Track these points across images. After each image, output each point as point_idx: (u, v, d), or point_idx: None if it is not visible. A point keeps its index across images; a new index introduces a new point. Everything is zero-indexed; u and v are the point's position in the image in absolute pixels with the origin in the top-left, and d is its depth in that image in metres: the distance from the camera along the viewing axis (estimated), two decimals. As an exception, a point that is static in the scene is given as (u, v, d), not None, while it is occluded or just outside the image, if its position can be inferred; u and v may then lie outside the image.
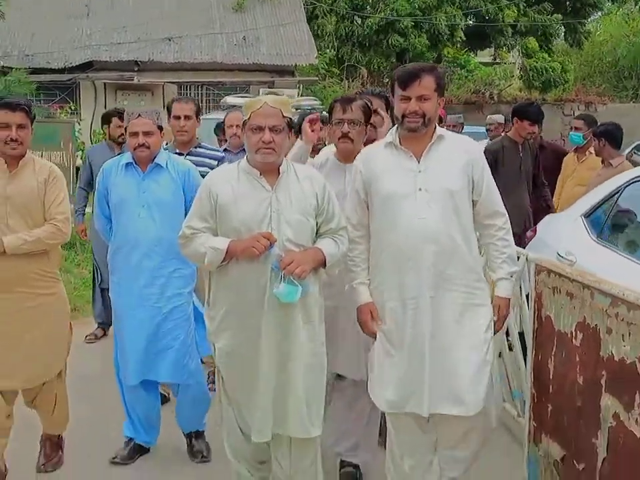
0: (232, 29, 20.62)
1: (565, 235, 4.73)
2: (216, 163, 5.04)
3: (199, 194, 3.41)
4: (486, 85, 26.83)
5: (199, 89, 19.75)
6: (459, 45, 24.78)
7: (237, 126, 5.73)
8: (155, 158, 4.20)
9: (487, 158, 6.14)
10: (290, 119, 3.34)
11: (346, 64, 22.79)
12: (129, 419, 4.36)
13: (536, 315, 3.71)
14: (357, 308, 3.48)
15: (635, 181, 4.62)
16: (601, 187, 4.93)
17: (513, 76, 27.08)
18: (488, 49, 27.16)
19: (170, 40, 19.80)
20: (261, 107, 3.25)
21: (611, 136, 6.00)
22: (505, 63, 28.02)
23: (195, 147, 5.10)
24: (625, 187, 4.65)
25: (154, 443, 4.42)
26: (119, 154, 5.33)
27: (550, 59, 24.52)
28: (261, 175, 3.32)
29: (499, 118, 9.21)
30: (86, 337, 6.26)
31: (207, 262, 3.27)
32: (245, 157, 3.39)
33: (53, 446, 4.28)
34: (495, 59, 29.06)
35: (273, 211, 3.27)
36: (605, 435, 3.00)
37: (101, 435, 4.55)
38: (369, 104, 3.91)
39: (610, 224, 4.59)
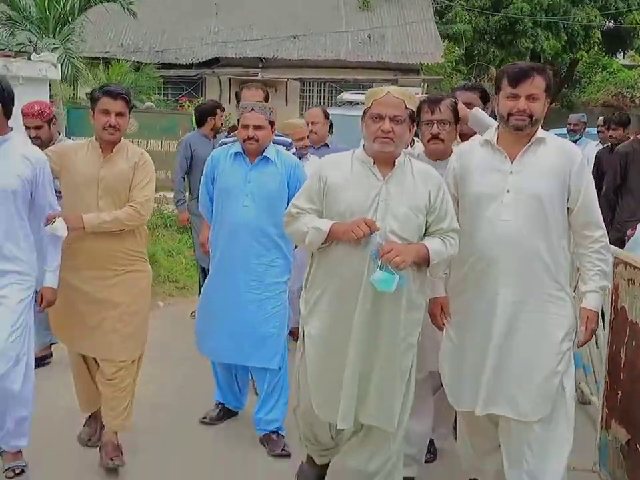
0: (357, 27, 21.03)
1: (658, 231, 4.80)
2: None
3: (310, 176, 3.48)
4: (628, 88, 26.15)
5: (321, 85, 20.33)
6: (596, 47, 24.18)
7: (313, 123, 6.14)
8: (263, 151, 4.39)
9: (617, 160, 6.27)
10: (413, 111, 3.31)
11: (476, 62, 22.76)
12: (218, 387, 4.70)
13: (612, 306, 3.85)
14: (430, 299, 3.50)
15: None
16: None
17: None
18: (630, 51, 26.41)
19: (295, 38, 20.44)
20: (383, 96, 3.25)
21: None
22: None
23: None
24: None
25: (242, 407, 4.73)
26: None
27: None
28: (374, 163, 3.32)
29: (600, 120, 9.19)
30: (191, 313, 6.74)
31: (307, 241, 3.31)
32: (362, 145, 3.41)
33: (114, 447, 4.23)
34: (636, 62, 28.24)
35: (381, 200, 3.27)
36: (664, 420, 3.17)
37: (196, 398, 4.93)
38: (456, 102, 3.92)
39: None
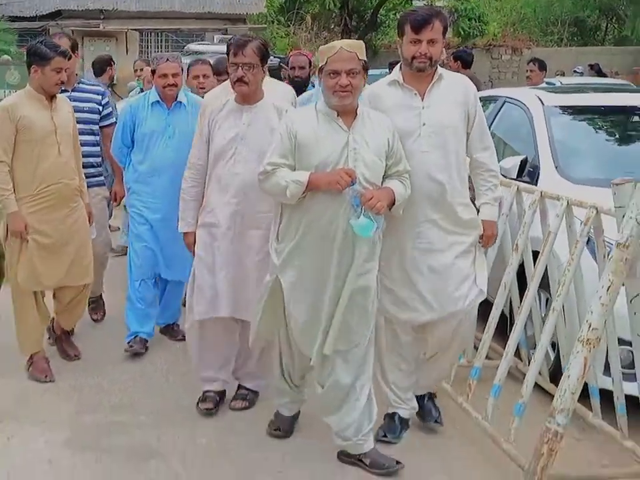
0: None
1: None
2: (99, 97, 5.26)
3: (278, 132, 3.46)
4: (423, 30, 28.31)
5: (159, 35, 21.41)
6: None
7: (205, 75, 5.75)
8: (177, 96, 4.82)
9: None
10: (365, 61, 3.39)
11: (294, 11, 24.37)
12: (136, 317, 4.96)
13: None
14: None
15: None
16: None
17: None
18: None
19: (132, -10, 21.45)
20: (336, 52, 3.31)
21: (462, 59, 7.79)
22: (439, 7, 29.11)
23: (78, 83, 5.19)
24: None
25: (152, 334, 5.08)
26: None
27: (477, 1, 25.58)
28: (338, 115, 3.37)
29: None
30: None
31: (288, 194, 3.30)
32: (322, 99, 3.47)
33: (69, 338, 4.90)
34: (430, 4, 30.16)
35: (350, 150, 3.32)
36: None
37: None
38: (265, 45, 3.94)
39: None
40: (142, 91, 7.09)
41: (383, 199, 3.29)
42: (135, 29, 20.53)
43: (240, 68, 3.74)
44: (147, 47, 21.37)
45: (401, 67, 3.65)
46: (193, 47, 14.13)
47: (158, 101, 4.87)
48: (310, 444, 3.83)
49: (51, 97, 4.35)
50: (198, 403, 4.11)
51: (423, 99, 3.58)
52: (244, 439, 3.90)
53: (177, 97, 4.87)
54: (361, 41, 3.49)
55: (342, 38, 24.52)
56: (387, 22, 28.88)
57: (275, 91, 4.42)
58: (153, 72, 4.86)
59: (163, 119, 4.85)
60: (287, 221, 3.43)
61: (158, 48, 21.35)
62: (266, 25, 22.42)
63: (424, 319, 3.68)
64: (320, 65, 3.39)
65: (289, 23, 24.04)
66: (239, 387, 4.27)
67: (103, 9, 21.07)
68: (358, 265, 3.38)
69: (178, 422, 3.98)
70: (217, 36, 18.36)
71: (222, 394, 4.21)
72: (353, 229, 3.24)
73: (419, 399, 3.99)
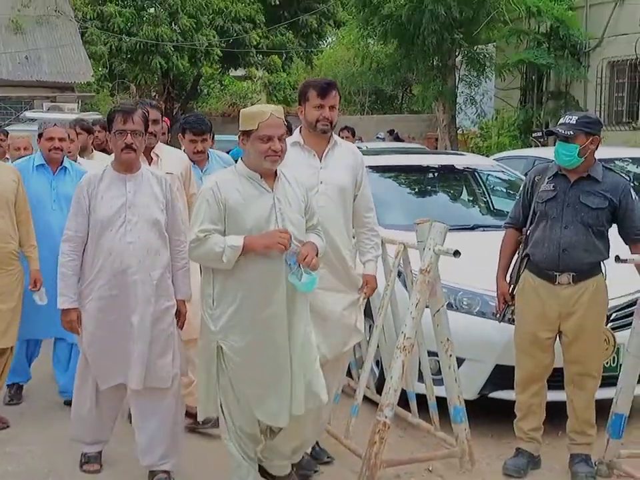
0: (14, 49, 21.65)
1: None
2: None
3: (204, 199, 3.31)
4: (240, 98, 29.57)
5: (-13, 103, 20.95)
6: (215, 64, 26.58)
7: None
8: (62, 161, 4.77)
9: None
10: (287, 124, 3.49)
11: (117, 80, 24.48)
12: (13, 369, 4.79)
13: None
14: None
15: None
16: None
17: (261, 91, 29.95)
18: (244, 66, 29.14)
19: (-42, 59, 20.75)
20: (268, 118, 3.26)
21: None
22: (255, 79, 30.62)
23: None
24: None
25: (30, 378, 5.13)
26: None
27: (288, 77, 27.38)
28: (261, 177, 3.33)
29: None
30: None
31: (225, 260, 3.20)
32: (240, 161, 3.41)
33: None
34: (247, 75, 31.40)
35: (277, 210, 3.31)
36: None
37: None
38: (147, 113, 3.92)
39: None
40: None
41: (313, 253, 3.31)
42: (-38, 97, 19.89)
43: (129, 135, 3.67)
44: (-26, 114, 20.72)
45: (300, 130, 3.89)
46: (29, 114, 14.01)
47: (43, 164, 4.80)
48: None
49: None
50: (82, 465, 3.97)
51: (320, 160, 3.83)
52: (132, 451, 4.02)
53: (62, 162, 4.84)
54: (281, 107, 3.56)
55: (165, 106, 25.02)
56: (206, 91, 29.81)
57: (170, 156, 4.56)
58: (40, 135, 4.82)
59: (48, 183, 4.79)
60: (222, 285, 3.31)
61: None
62: (93, 94, 22.41)
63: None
64: (248, 129, 3.32)
65: (113, 91, 24.15)
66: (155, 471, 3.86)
67: None
68: (305, 325, 3.39)
69: (66, 448, 4.13)
70: (46, 103, 18.13)
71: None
72: (295, 287, 3.22)
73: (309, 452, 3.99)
